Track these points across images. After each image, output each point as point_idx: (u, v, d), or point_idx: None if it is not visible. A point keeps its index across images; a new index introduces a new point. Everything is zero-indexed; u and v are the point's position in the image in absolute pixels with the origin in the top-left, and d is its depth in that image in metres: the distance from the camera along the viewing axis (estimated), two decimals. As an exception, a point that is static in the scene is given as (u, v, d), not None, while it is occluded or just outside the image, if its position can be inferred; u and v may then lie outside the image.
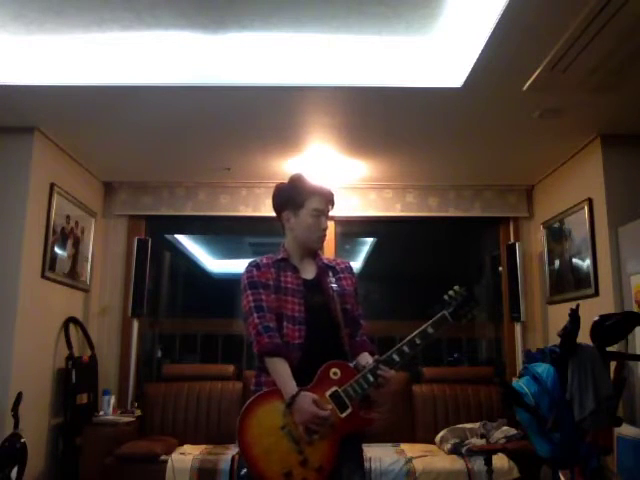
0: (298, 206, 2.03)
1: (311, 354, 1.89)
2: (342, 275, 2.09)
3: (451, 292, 1.96)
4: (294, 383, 1.83)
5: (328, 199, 2.06)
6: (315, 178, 2.08)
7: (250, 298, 1.96)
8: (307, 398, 1.79)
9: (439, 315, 1.92)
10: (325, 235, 2.07)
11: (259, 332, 1.89)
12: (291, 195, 2.05)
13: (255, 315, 1.92)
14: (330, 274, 2.05)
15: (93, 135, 3.67)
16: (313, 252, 2.11)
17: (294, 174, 2.12)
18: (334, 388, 1.83)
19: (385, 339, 4.08)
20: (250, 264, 2.05)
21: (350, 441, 1.85)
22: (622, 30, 2.38)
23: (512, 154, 3.94)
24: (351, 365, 1.88)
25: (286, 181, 2.12)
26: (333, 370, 1.85)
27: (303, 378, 1.84)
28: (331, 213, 2.12)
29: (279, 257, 2.05)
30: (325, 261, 2.12)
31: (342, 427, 1.81)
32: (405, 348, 1.88)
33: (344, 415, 1.81)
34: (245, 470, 1.83)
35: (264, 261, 2.05)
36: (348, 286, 2.07)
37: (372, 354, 1.96)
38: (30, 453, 3.11)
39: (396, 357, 1.87)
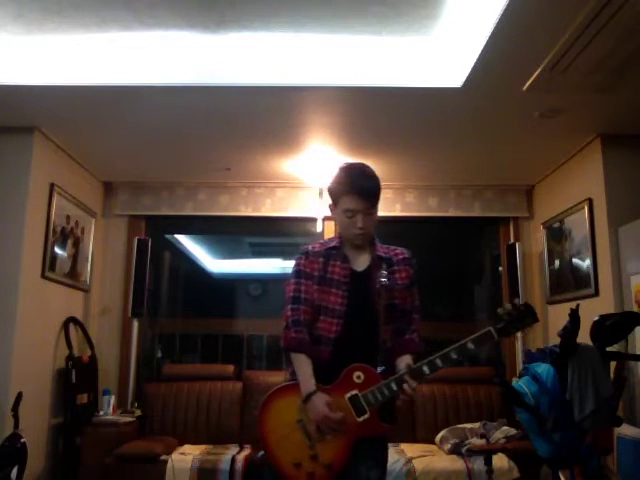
0: (335, 203, 1.97)
1: (344, 349, 1.88)
2: (397, 268, 1.99)
3: (508, 305, 1.77)
4: (313, 381, 1.83)
5: (365, 197, 1.89)
6: (356, 173, 1.95)
7: (291, 287, 1.95)
8: (321, 399, 1.80)
9: (484, 331, 1.78)
10: (362, 234, 1.93)
11: (287, 325, 1.90)
12: (330, 190, 1.99)
13: (289, 307, 1.92)
14: (384, 266, 1.95)
15: (93, 135, 3.67)
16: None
17: (340, 166, 2.00)
18: (354, 392, 1.81)
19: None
20: (301, 251, 2.01)
21: (371, 439, 1.85)
22: (622, 30, 2.38)
23: (512, 154, 3.94)
24: (377, 370, 1.83)
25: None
26: (357, 373, 1.83)
27: (333, 372, 1.84)
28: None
29: (331, 245, 2.00)
30: (382, 252, 2.01)
31: (357, 431, 1.81)
32: (438, 361, 1.78)
33: (361, 420, 1.80)
34: (262, 452, 1.89)
35: (316, 248, 2.00)
36: (402, 279, 1.97)
37: (418, 354, 1.90)
38: (30, 453, 3.11)
39: (426, 369, 1.79)
